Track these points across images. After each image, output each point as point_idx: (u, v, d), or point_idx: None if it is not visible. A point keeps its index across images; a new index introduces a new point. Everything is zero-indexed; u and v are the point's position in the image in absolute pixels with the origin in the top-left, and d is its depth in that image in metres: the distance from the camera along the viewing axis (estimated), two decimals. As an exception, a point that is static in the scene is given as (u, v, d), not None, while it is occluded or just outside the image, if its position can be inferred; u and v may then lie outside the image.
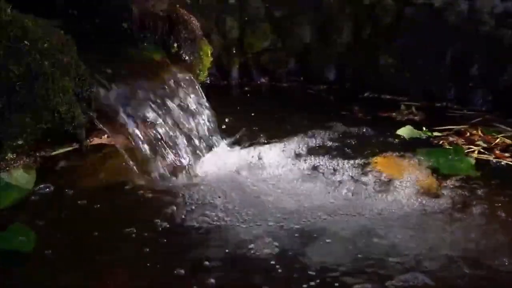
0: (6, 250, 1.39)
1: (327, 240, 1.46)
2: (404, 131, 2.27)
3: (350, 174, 1.85)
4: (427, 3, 2.72)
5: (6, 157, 1.55)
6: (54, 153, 1.82)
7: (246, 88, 2.95)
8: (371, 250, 1.42)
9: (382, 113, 2.54)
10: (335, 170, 1.87)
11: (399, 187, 1.75)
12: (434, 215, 1.61)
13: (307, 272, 1.32)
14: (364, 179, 1.81)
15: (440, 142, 2.17)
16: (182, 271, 1.32)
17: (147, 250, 1.40)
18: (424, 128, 2.30)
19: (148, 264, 1.34)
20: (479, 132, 2.26)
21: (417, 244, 1.45)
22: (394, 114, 2.54)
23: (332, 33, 2.93)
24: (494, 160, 2.01)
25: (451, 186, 1.78)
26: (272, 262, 1.35)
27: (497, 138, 2.19)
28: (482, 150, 2.09)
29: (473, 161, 1.98)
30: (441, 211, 1.62)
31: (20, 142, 1.51)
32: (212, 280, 1.28)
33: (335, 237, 1.47)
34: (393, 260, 1.37)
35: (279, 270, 1.32)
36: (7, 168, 1.59)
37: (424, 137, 2.23)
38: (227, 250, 1.41)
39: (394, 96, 2.75)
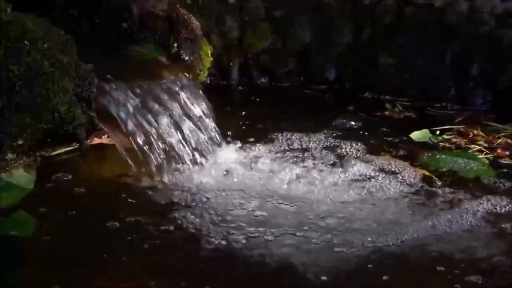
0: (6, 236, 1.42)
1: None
2: (418, 135, 2.22)
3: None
4: (427, 3, 2.72)
5: (6, 157, 1.55)
6: (54, 153, 1.83)
7: (246, 88, 2.95)
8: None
9: (376, 112, 2.53)
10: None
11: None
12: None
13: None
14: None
15: (443, 144, 2.15)
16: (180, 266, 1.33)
17: (146, 246, 1.41)
18: (437, 132, 2.25)
19: (147, 261, 1.35)
20: (480, 132, 2.25)
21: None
22: (387, 113, 2.54)
23: (332, 33, 2.92)
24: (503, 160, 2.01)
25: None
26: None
27: (499, 138, 2.19)
28: (484, 150, 2.08)
29: (486, 162, 1.97)
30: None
31: (20, 142, 1.51)
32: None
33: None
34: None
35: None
36: (7, 168, 1.60)
37: (434, 141, 2.19)
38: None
39: (393, 96, 2.75)
